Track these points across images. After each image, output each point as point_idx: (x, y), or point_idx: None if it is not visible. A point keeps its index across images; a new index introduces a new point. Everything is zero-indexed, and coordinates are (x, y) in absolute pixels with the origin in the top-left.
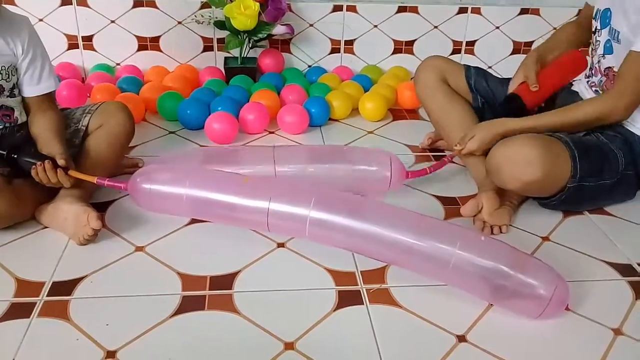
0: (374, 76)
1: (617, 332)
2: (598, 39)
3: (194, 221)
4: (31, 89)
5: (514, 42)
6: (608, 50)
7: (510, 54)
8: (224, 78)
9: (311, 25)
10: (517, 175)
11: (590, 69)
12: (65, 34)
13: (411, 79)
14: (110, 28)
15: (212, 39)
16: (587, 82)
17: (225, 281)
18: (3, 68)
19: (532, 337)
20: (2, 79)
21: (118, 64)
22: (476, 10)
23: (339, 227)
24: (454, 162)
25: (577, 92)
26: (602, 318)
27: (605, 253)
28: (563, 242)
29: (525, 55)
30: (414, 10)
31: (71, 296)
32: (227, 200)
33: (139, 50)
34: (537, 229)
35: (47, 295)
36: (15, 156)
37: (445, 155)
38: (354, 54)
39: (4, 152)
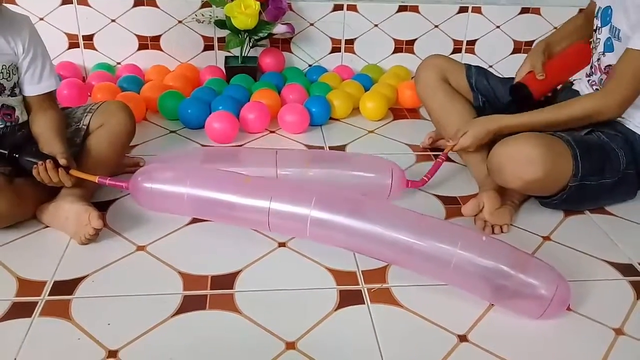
0: (375, 75)
1: (619, 332)
2: (598, 36)
3: (195, 220)
4: (32, 88)
5: (514, 41)
6: (608, 48)
7: (511, 54)
8: (224, 77)
9: (312, 24)
10: (519, 174)
11: (591, 67)
12: (65, 33)
13: (412, 78)
14: (110, 27)
15: (212, 38)
16: (588, 80)
17: (226, 281)
18: (4, 67)
19: (533, 336)
20: (2, 78)
21: (119, 63)
22: (477, 10)
23: (340, 227)
24: (454, 162)
25: (577, 92)
26: (604, 318)
27: (607, 253)
28: (564, 242)
29: (526, 54)
30: (415, 9)
31: (72, 296)
32: (228, 200)
33: (139, 49)
34: (538, 229)
35: (49, 295)
36: (17, 155)
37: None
38: (354, 53)
39: (5, 152)
